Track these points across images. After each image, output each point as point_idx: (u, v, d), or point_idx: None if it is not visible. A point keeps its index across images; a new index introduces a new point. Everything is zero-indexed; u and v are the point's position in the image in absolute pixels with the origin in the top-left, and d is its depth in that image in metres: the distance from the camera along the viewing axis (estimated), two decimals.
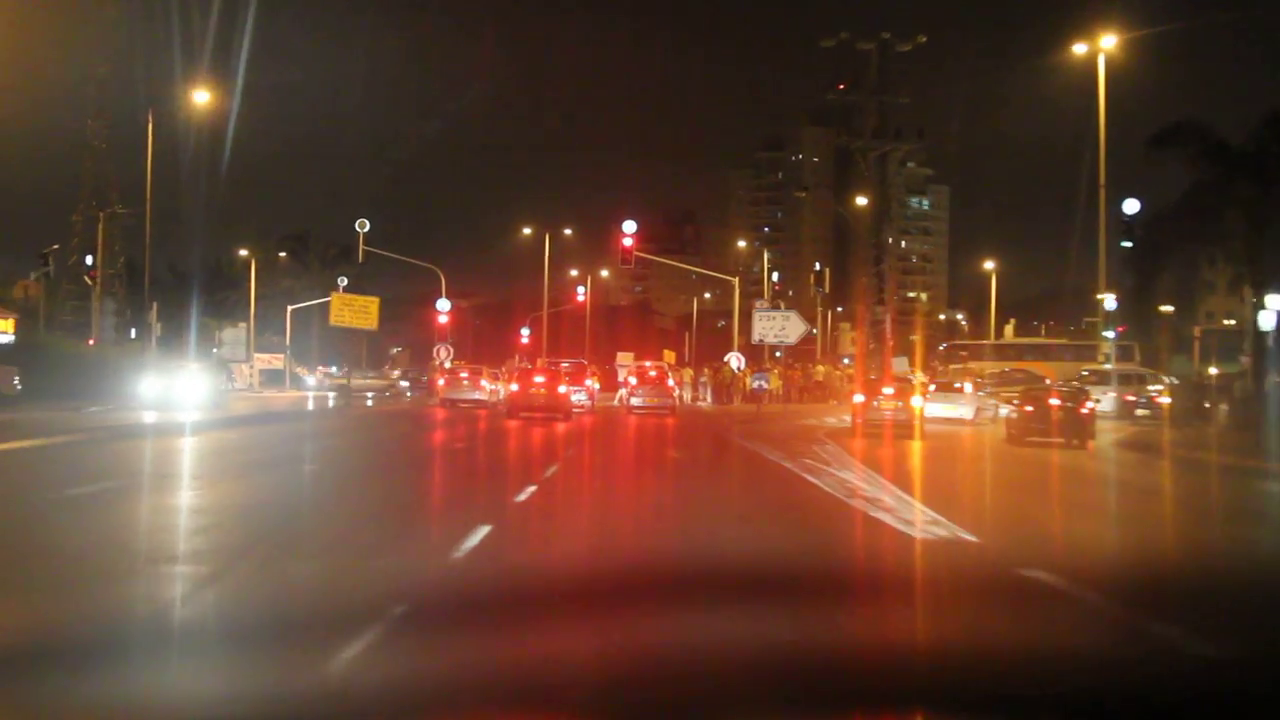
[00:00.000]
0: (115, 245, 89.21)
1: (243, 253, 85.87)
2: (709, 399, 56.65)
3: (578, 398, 45.99)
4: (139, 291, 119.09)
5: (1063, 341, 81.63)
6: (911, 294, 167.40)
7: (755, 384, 42.19)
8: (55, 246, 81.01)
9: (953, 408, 41.18)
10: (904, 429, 35.44)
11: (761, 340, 41.70)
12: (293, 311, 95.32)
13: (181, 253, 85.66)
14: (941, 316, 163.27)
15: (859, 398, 36.71)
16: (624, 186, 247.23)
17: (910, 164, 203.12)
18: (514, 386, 39.84)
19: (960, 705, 4.22)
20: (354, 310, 41.78)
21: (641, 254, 55.29)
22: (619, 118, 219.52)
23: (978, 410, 41.97)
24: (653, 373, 47.90)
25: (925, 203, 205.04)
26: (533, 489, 17.52)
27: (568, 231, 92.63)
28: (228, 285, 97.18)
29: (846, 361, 60.19)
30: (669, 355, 63.53)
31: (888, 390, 36.48)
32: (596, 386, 54.57)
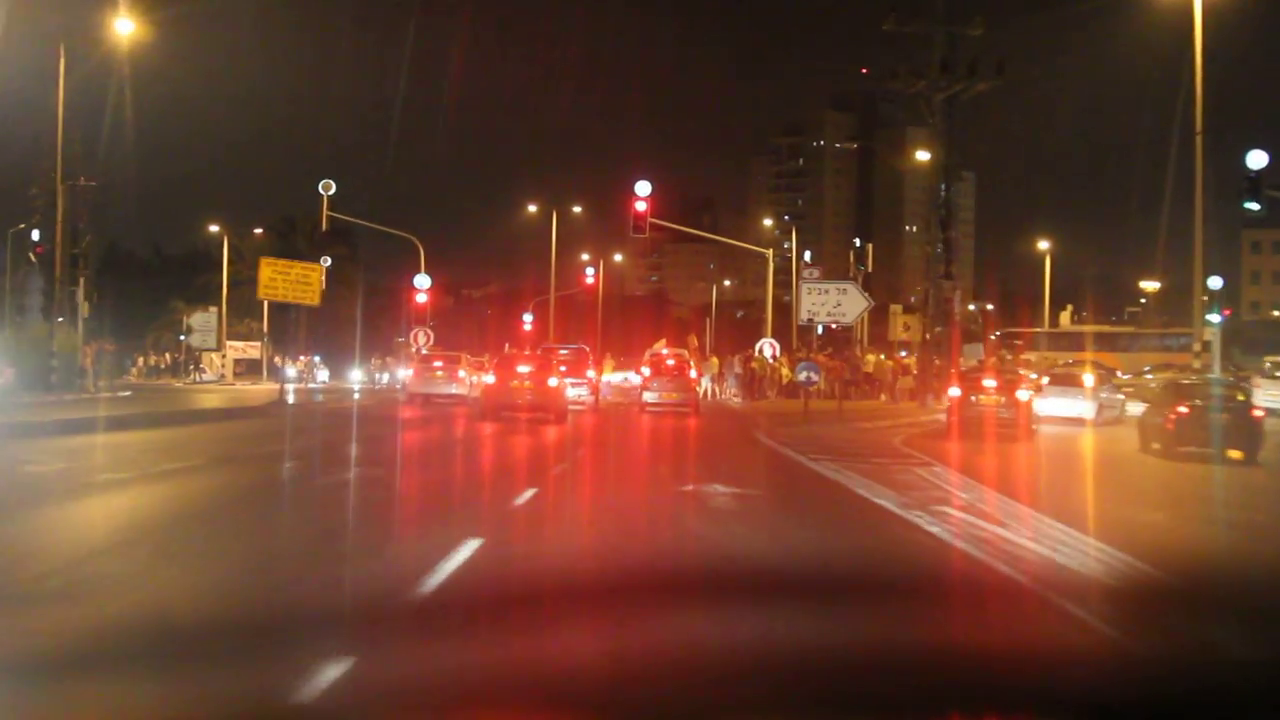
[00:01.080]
0: (80, 221, 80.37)
1: (213, 229, 76.24)
2: (736, 392, 46.88)
3: (576, 392, 36.35)
4: (112, 270, 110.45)
5: (1131, 329, 71.79)
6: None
7: (802, 376, 32.40)
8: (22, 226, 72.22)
9: (1071, 404, 31.82)
10: (1010, 430, 27.42)
11: (811, 319, 32.02)
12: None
13: (167, 235, 76.58)
14: (971, 307, 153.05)
15: (955, 391, 27.60)
16: (639, 175, 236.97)
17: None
18: (489, 379, 30.13)
19: None
20: (289, 281, 32.15)
21: (657, 222, 45.60)
22: (634, 105, 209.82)
23: (1100, 408, 32.37)
24: (670, 361, 38.20)
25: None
26: (460, 560, 8.79)
27: (577, 209, 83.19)
28: (212, 268, 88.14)
29: (904, 354, 50.30)
30: (693, 341, 53.82)
31: (989, 383, 27.06)
32: (619, 378, 44.94)
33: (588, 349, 39.45)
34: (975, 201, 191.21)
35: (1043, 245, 76.23)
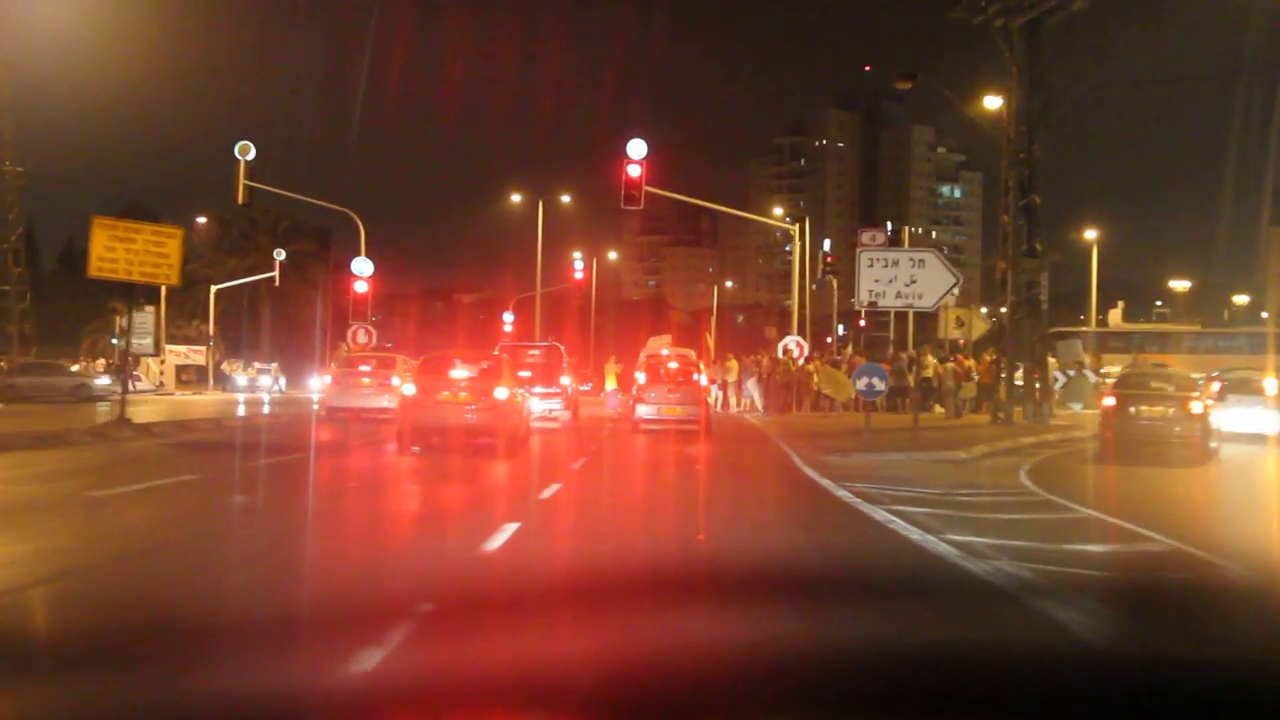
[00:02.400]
0: (10, 213, 70.43)
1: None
2: (753, 404, 36.67)
3: (545, 406, 26.34)
4: (69, 270, 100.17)
5: (1194, 328, 61.65)
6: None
7: (861, 384, 22.26)
8: None
9: (1253, 416, 22.59)
10: (1186, 452, 20.18)
11: (874, 302, 21.91)
12: (230, 296, 76.03)
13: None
14: (984, 309, 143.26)
15: (1110, 401, 17.89)
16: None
17: (941, 149, 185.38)
18: (408, 390, 19.86)
19: None
20: (135, 253, 21.84)
21: (654, 190, 35.56)
22: (629, 105, 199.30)
23: None
24: (672, 364, 28.12)
25: (957, 191, 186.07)
26: None
27: (565, 198, 73.07)
28: None
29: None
30: (707, 340, 43.63)
31: (1162, 385, 17.74)
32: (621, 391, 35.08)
33: (562, 348, 29.37)
34: (982, 203, 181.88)
35: (1089, 234, 66.03)
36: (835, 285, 58.74)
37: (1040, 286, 31.16)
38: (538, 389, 26.35)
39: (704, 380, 27.43)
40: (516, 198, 71.96)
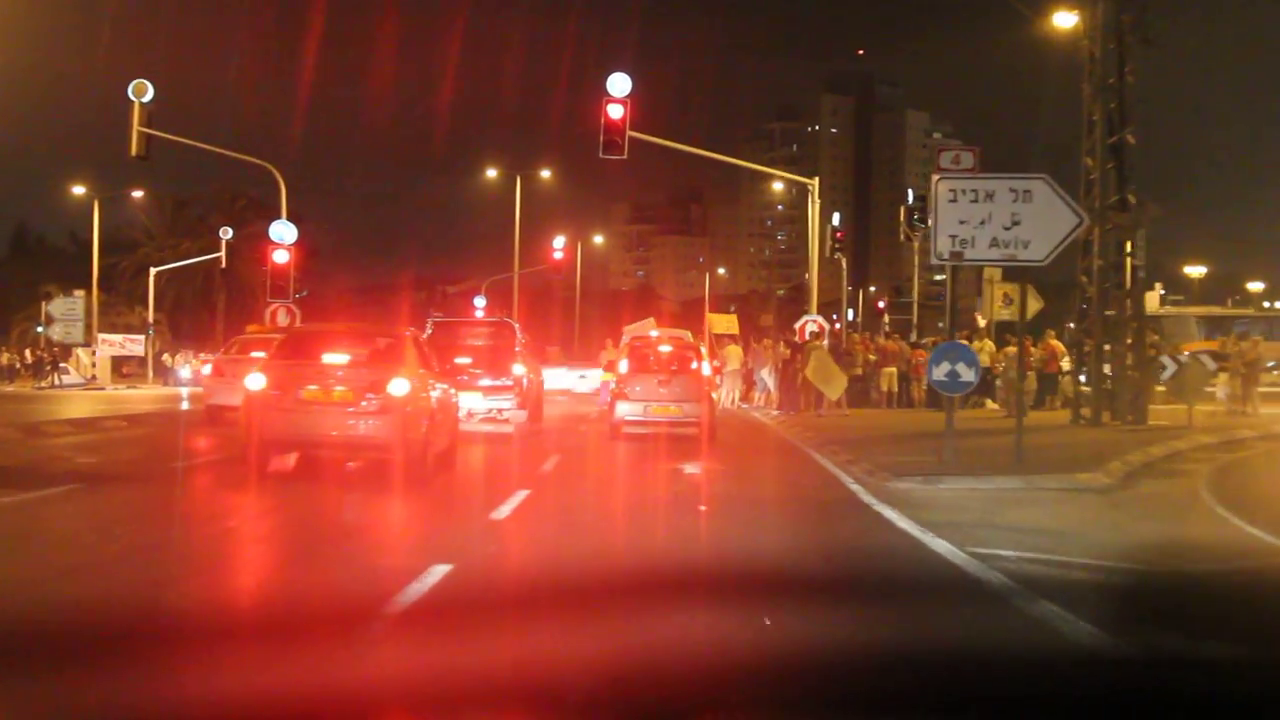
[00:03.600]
0: None
1: (78, 190, 58.38)
2: (771, 399, 29.24)
3: (491, 404, 19.13)
4: (21, 257, 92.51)
5: (1248, 312, 54.50)
6: (940, 277, 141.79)
7: (940, 372, 14.86)
8: None
9: None
10: None
11: (958, 253, 14.69)
12: (182, 281, 68.70)
13: (87, 220, 59.24)
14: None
15: None
16: (621, 165, 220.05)
17: (937, 134, 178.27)
18: (253, 385, 12.47)
19: None
20: None
21: (637, 135, 28.21)
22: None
23: None
24: (664, 348, 20.83)
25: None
26: None
27: (545, 173, 65.84)
28: (122, 249, 70.69)
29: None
30: (719, 321, 35.89)
31: None
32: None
33: (516, 325, 21.71)
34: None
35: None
36: (845, 265, 51.51)
37: (1137, 247, 23.98)
38: (483, 381, 19.10)
39: (707, 369, 20.09)
40: (492, 172, 65.03)
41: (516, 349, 20.09)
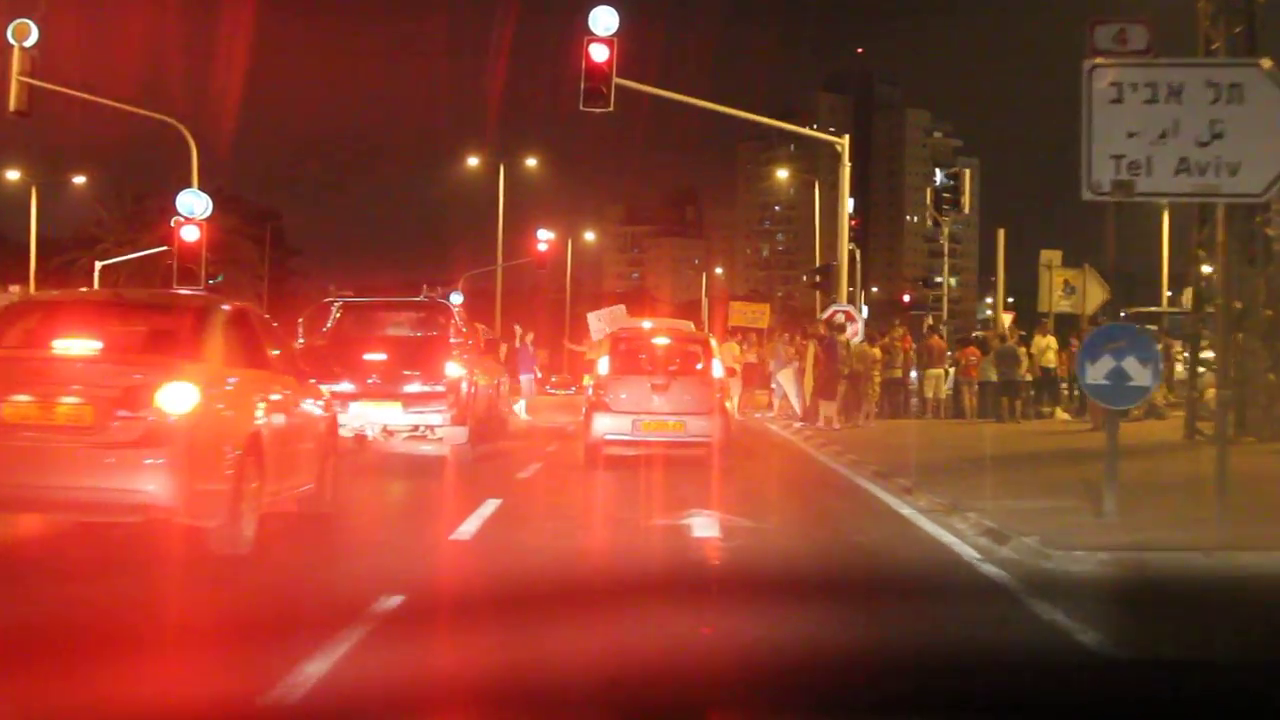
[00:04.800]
0: None
1: (11, 175, 52.67)
2: (794, 406, 23.17)
3: (414, 419, 13.36)
4: None
5: None
6: (939, 279, 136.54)
7: (1101, 373, 9.12)
8: None
9: None
10: None
11: (1127, 184, 9.21)
12: (144, 281, 62.92)
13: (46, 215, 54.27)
14: (988, 300, 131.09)
15: None
16: (616, 169, 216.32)
17: (937, 134, 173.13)
18: None
19: None
20: None
21: (624, 83, 22.60)
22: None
23: None
24: (659, 340, 15.08)
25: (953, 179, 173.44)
26: None
27: (531, 161, 60.52)
28: (81, 244, 65.07)
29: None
30: (743, 312, 30.27)
31: None
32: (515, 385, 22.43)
33: (455, 310, 15.61)
34: (981, 189, 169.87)
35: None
36: (859, 257, 45.79)
37: (1272, 214, 18.37)
38: (407, 386, 13.37)
39: (718, 370, 14.35)
40: (474, 161, 59.72)
41: (452, 340, 14.30)
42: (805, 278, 40.33)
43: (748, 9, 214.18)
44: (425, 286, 14.72)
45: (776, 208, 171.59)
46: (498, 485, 12.18)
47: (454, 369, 13.64)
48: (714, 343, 14.44)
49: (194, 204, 23.62)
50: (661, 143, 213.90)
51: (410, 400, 13.38)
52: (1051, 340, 23.81)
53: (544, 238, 49.80)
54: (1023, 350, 24.07)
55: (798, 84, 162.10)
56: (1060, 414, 23.54)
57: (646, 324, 17.58)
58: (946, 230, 37.22)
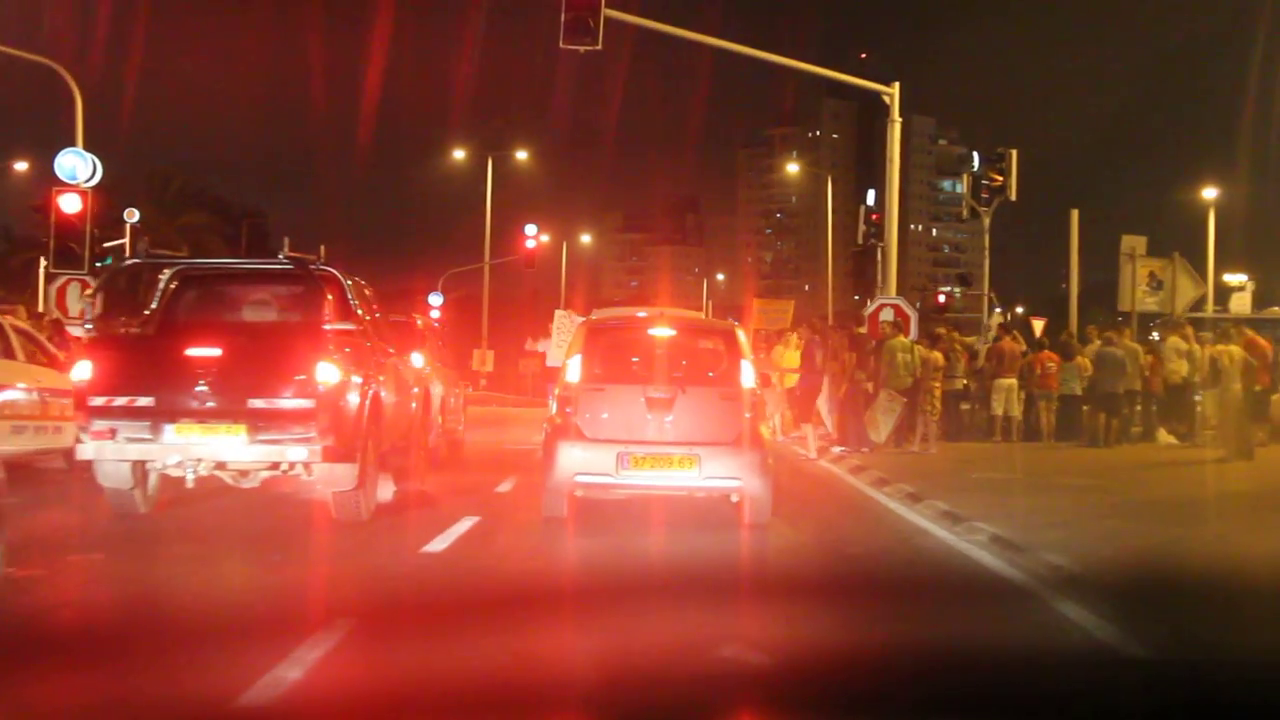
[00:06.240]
0: None
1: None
2: (828, 427, 17.84)
3: (263, 454, 8.15)
4: None
5: None
6: (945, 289, 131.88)
7: None
8: None
9: None
10: None
11: None
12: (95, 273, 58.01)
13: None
14: (1002, 309, 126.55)
15: None
16: (615, 179, 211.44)
17: (942, 141, 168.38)
18: None
19: None
20: None
21: (614, 13, 17.66)
22: (605, 89, 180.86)
23: None
24: (660, 332, 9.88)
25: (959, 185, 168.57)
26: None
27: (522, 155, 55.88)
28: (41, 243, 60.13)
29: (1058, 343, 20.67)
30: (768, 311, 25.59)
31: None
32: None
33: (347, 284, 9.93)
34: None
35: (1207, 194, 47.80)
36: (881, 254, 40.87)
37: None
38: (250, 401, 8.12)
39: (749, 378, 9.14)
40: (460, 154, 55.06)
41: (326, 329, 8.86)
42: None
43: (748, 9, 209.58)
44: (287, 241, 9.35)
45: (779, 215, 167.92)
46: (365, 583, 6.78)
47: (325, 372, 8.39)
48: (742, 336, 9.22)
49: (75, 166, 18.59)
50: (661, 150, 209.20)
51: (257, 421, 8.25)
52: (1131, 344, 18.54)
53: (532, 233, 44.89)
54: (1147, 356, 19.05)
55: (801, 89, 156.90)
56: (1165, 436, 18.45)
57: (641, 313, 12.39)
58: (987, 221, 32.26)
